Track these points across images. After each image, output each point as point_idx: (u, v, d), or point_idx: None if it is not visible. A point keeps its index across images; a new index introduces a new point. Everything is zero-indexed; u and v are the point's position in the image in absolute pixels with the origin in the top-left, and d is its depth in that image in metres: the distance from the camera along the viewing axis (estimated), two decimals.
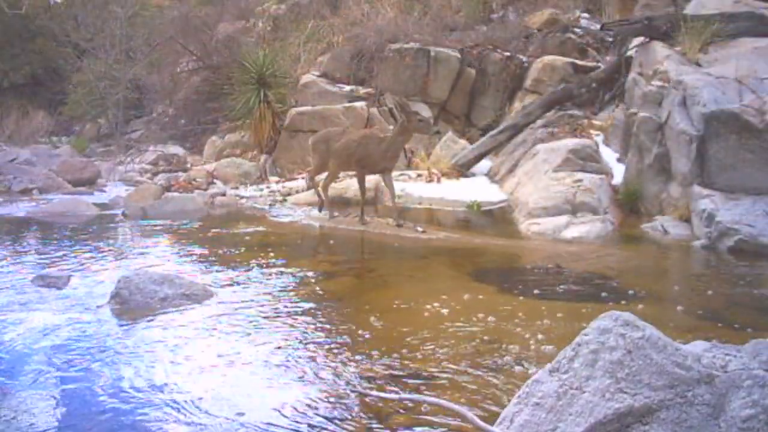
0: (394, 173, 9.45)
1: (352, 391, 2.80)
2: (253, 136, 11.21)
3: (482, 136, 9.91)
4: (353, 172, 7.44)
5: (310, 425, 2.52)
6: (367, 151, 6.62)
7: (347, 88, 11.38)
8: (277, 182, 10.02)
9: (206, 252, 5.65)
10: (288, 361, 3.15)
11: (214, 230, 6.66)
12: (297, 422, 2.55)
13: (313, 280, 4.65)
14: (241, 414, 2.59)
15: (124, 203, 8.39)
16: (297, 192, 9.17)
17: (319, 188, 7.13)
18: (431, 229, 6.40)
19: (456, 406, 2.38)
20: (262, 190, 9.59)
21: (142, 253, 5.65)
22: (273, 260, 5.26)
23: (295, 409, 2.65)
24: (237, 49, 13.46)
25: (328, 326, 3.66)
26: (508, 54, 11.00)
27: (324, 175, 7.10)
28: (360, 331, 3.53)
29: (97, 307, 3.98)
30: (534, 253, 5.75)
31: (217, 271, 4.93)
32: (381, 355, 3.19)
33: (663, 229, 6.23)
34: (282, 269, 4.96)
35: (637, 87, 7.70)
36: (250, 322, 3.72)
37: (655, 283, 4.70)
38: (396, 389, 2.80)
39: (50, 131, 17.00)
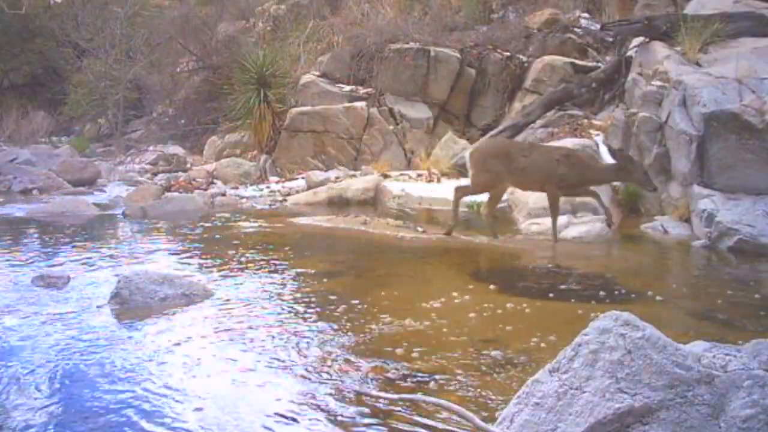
0: (394, 173, 9.53)
1: (352, 391, 2.79)
2: (253, 136, 11.19)
3: (482, 136, 9.92)
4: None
5: (309, 424, 2.52)
6: (585, 177, 5.86)
7: (347, 88, 11.37)
8: (277, 182, 10.02)
9: (206, 252, 5.65)
10: (287, 360, 3.15)
11: (213, 230, 6.66)
12: (296, 421, 2.55)
13: (312, 280, 4.65)
14: (241, 413, 2.59)
15: (124, 203, 8.38)
16: (297, 192, 9.18)
17: (485, 215, 6.26)
18: (431, 229, 6.40)
19: (456, 406, 2.38)
20: (262, 190, 9.59)
21: (141, 253, 5.64)
22: (273, 260, 5.26)
23: (295, 408, 2.65)
24: (237, 49, 13.44)
25: (327, 326, 3.66)
26: (508, 54, 11.00)
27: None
28: (359, 331, 3.53)
29: (97, 307, 3.98)
30: (534, 253, 5.75)
31: (216, 271, 4.93)
32: (380, 355, 3.19)
33: (663, 229, 6.22)
34: (282, 269, 4.96)
35: (637, 87, 7.70)
36: (250, 321, 3.72)
37: (655, 283, 4.69)
38: (396, 389, 2.80)
39: (50, 131, 16.93)
